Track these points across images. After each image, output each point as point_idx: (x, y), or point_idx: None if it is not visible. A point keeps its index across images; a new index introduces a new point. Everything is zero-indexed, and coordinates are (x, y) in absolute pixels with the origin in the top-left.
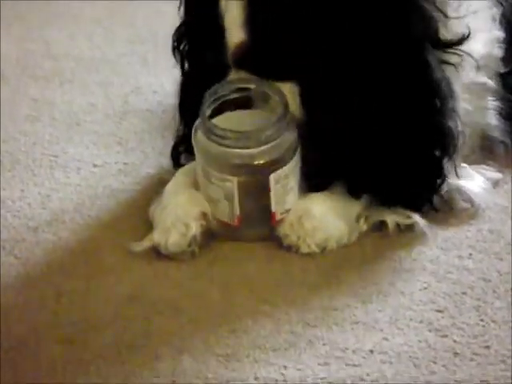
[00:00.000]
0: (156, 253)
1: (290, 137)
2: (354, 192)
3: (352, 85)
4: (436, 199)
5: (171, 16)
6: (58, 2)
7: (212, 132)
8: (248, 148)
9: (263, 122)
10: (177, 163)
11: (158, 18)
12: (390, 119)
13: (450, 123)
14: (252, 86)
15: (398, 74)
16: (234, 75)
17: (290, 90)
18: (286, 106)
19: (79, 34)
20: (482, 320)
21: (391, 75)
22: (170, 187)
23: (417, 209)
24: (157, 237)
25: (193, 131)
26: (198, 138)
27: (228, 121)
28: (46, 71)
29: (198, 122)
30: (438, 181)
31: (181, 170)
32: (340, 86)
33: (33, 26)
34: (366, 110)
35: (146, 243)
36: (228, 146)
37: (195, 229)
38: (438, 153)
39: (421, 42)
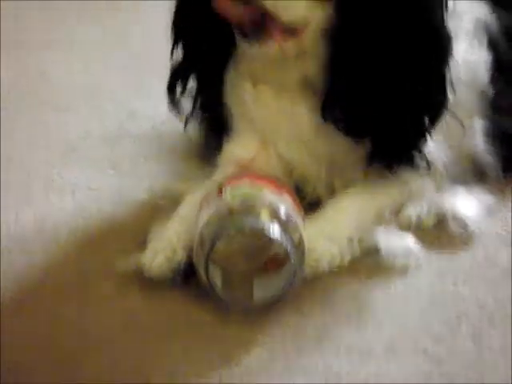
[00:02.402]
0: (150, 279)
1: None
2: (355, 133)
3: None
4: (417, 157)
5: (167, 44)
6: (56, 28)
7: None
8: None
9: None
10: (173, 101)
11: (153, 45)
12: (399, 79)
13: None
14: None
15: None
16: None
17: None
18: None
19: (75, 59)
20: (477, 347)
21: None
22: (173, 216)
23: (399, 159)
24: (143, 258)
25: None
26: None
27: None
28: (42, 97)
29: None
30: (421, 139)
31: (186, 200)
32: (363, 53)
33: (30, 52)
34: (381, 71)
35: (131, 262)
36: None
37: (181, 256)
38: (426, 117)
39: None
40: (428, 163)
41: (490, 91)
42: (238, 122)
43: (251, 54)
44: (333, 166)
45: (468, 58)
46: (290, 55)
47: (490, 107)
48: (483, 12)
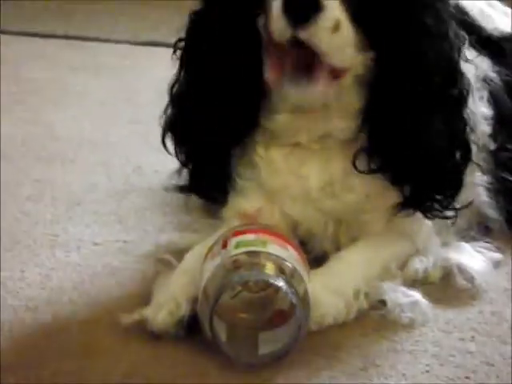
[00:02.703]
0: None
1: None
2: (398, 181)
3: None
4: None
5: None
6: (64, 84)
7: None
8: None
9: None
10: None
11: (159, 99)
12: (432, 125)
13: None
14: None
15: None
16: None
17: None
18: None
19: (82, 114)
20: None
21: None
22: (177, 269)
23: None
24: (147, 312)
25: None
26: None
27: None
28: (48, 152)
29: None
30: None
31: (191, 253)
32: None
33: (38, 107)
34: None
35: (135, 316)
36: None
37: (185, 310)
38: (459, 160)
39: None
40: (456, 210)
41: (492, 145)
42: (244, 181)
43: (290, 104)
44: (339, 222)
45: (471, 111)
46: (330, 100)
47: (492, 161)
48: (485, 67)
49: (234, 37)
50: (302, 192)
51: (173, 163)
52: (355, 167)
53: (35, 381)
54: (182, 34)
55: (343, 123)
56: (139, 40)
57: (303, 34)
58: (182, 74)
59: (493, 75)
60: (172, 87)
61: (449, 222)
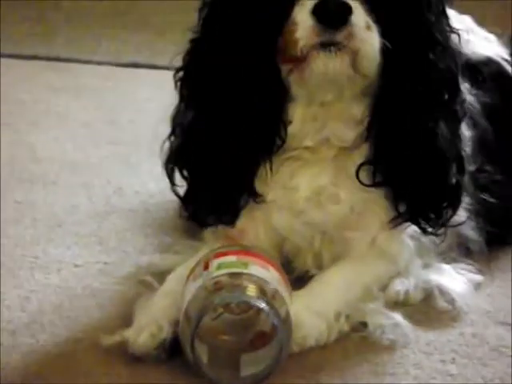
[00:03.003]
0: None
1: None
2: (400, 195)
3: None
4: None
5: (154, 118)
6: (44, 104)
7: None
8: None
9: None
10: (173, 182)
11: (141, 120)
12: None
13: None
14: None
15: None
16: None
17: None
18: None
19: (64, 136)
20: None
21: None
22: (159, 291)
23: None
24: (128, 333)
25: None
26: None
27: None
28: (30, 174)
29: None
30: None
31: (172, 275)
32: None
33: (20, 129)
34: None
35: (116, 338)
36: None
37: (166, 333)
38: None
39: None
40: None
41: (471, 167)
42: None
43: (305, 101)
44: (325, 236)
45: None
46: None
47: (472, 183)
48: (463, 90)
49: (239, 65)
50: (289, 204)
51: (154, 184)
52: (359, 180)
53: None
54: (179, 63)
55: (346, 129)
56: (121, 62)
57: (340, 36)
58: (184, 104)
59: (471, 98)
60: (175, 117)
61: (430, 243)
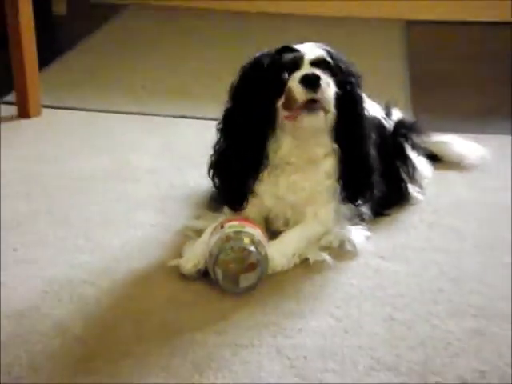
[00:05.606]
0: (183, 274)
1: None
2: (345, 187)
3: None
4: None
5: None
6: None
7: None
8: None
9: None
10: (214, 182)
11: (193, 149)
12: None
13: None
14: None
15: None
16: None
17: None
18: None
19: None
20: None
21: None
22: (198, 240)
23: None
24: (180, 262)
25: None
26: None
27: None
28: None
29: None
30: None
31: (206, 231)
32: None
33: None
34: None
35: (174, 263)
36: None
37: (201, 263)
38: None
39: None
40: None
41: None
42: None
43: (292, 136)
44: (293, 210)
45: None
46: (323, 126)
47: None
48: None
49: (253, 116)
50: (275, 192)
51: (193, 182)
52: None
53: None
54: (220, 123)
55: (317, 151)
56: (177, 114)
57: (318, 95)
58: (220, 139)
59: None
60: (214, 146)
61: (345, 215)
